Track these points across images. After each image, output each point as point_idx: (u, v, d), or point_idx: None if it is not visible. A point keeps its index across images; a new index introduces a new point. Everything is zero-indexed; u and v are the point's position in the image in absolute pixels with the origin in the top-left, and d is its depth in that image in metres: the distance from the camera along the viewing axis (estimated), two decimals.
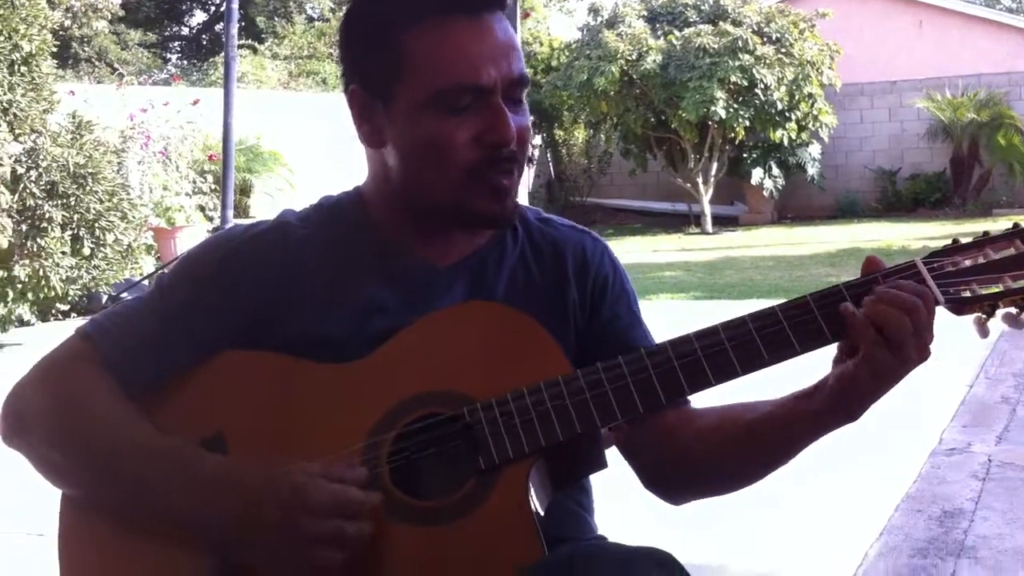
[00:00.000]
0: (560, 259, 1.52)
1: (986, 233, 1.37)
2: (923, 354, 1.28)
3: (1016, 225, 1.37)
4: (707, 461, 1.44)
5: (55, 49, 10.17)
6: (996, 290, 1.33)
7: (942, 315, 1.34)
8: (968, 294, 1.33)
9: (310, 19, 27.69)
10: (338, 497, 1.25)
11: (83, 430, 1.38)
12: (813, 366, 1.47)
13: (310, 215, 1.51)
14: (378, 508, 1.29)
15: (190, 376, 1.42)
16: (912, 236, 14.19)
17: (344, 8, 1.51)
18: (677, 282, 11.09)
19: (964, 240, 1.38)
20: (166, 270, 1.50)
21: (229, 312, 1.42)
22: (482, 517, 1.29)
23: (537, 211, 1.59)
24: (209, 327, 1.42)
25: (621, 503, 2.08)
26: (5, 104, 8.60)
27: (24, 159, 9.09)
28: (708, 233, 17.27)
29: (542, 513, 1.33)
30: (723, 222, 18.33)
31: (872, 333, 1.27)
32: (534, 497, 1.32)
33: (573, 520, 1.51)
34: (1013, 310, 1.34)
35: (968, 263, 1.35)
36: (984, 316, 1.34)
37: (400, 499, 1.31)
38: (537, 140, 21.02)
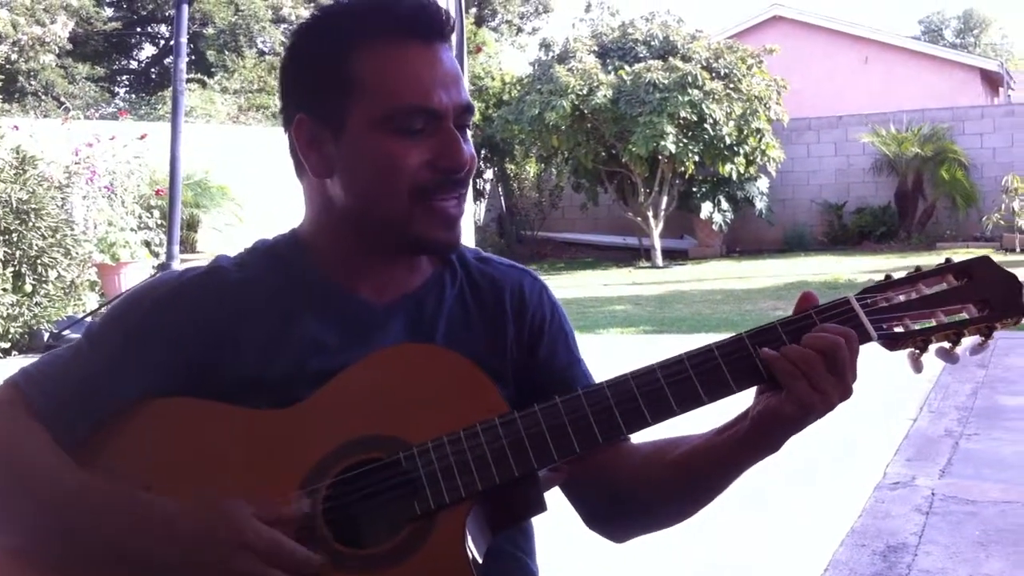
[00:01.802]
0: (499, 297, 1.51)
1: (918, 268, 1.37)
2: (845, 393, 1.28)
3: (948, 260, 1.37)
4: (644, 496, 1.44)
5: (0, 83, 10.07)
6: (929, 325, 1.33)
7: (881, 350, 1.34)
8: (901, 329, 1.33)
9: (261, 53, 27.56)
10: (279, 549, 1.24)
11: (19, 480, 1.33)
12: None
13: (245, 259, 1.49)
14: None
15: (121, 427, 1.37)
16: (858, 269, 14.37)
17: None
18: (627, 316, 11.13)
19: (897, 275, 1.38)
20: (101, 312, 1.46)
21: (163, 359, 1.38)
22: (418, 564, 1.26)
23: (476, 251, 1.58)
24: (141, 375, 1.38)
25: (563, 546, 2.06)
26: None
27: None
28: (658, 267, 17.37)
29: (480, 560, 1.30)
30: (673, 256, 18.45)
31: (794, 373, 1.27)
32: (471, 543, 1.29)
33: (512, 564, 1.48)
34: (946, 345, 1.34)
35: (901, 298, 1.34)
36: (917, 351, 1.34)
37: (334, 547, 1.28)
38: (488, 174, 21.05)
